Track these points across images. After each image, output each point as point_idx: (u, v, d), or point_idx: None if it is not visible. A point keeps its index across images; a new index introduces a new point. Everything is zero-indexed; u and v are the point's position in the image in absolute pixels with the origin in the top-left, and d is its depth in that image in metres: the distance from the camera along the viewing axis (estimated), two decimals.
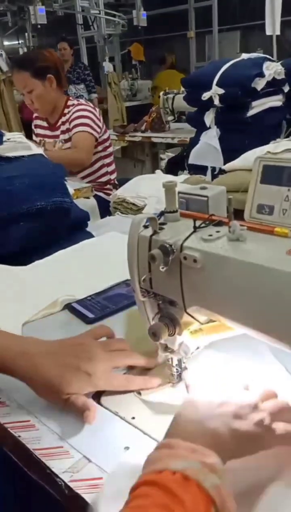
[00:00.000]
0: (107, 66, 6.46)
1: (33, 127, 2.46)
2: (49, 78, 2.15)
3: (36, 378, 0.67)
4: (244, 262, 0.53)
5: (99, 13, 6.61)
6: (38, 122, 2.41)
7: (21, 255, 1.24)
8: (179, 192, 0.70)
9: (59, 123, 2.28)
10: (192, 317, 0.63)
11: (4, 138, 1.44)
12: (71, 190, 1.45)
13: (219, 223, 0.61)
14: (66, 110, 2.26)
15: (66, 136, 2.26)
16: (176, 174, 2.43)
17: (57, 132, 2.30)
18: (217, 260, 0.55)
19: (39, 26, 6.30)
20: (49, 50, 2.29)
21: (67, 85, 2.35)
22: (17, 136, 1.47)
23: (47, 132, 2.35)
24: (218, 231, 0.59)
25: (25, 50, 6.82)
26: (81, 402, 0.66)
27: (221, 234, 0.58)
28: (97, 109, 2.33)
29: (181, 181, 1.72)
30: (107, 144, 2.36)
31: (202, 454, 0.48)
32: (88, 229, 1.50)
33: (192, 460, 0.47)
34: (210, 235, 0.58)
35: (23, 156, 1.36)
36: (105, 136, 2.32)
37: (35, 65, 2.13)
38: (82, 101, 2.34)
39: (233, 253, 0.54)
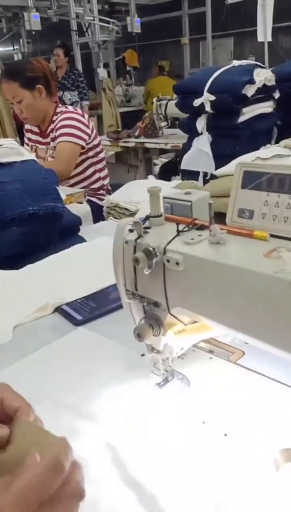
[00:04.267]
0: (102, 72, 6.51)
1: (24, 130, 2.48)
2: (38, 89, 2.16)
3: None
4: (223, 265, 0.55)
5: (94, 20, 6.65)
6: (29, 126, 2.42)
7: (13, 259, 1.26)
8: (164, 197, 0.72)
9: (49, 130, 2.30)
10: (176, 318, 0.65)
11: None
12: (63, 196, 1.47)
13: (201, 227, 0.63)
14: (54, 118, 2.27)
15: (55, 143, 2.28)
16: (169, 179, 2.45)
17: (48, 139, 2.32)
18: (198, 262, 0.57)
19: (34, 32, 6.34)
20: (37, 59, 2.29)
21: (57, 92, 2.35)
22: (9, 142, 1.49)
23: (39, 139, 2.36)
24: (199, 235, 0.61)
25: (20, 56, 6.86)
26: None
27: (203, 238, 0.60)
28: (87, 115, 2.32)
29: (173, 186, 1.74)
30: (98, 149, 2.36)
31: None
32: (81, 233, 1.52)
33: None
34: (192, 239, 0.60)
35: (15, 162, 1.38)
36: (96, 142, 2.32)
37: (23, 75, 2.13)
38: (70, 108, 2.33)
39: (213, 256, 0.56)
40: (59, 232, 1.40)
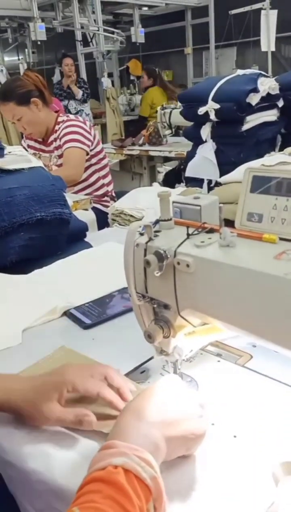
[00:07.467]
0: (106, 82, 6.56)
1: (24, 137, 2.50)
2: (34, 102, 2.20)
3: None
4: (234, 267, 0.56)
5: (98, 30, 6.72)
6: None
7: (21, 265, 1.27)
8: (174, 202, 0.73)
9: (51, 139, 2.33)
10: (185, 320, 0.66)
11: (5, 151, 1.47)
12: (70, 202, 1.49)
13: (211, 230, 0.64)
14: (57, 127, 2.31)
15: (59, 152, 2.31)
16: (173, 186, 2.47)
17: (51, 148, 2.35)
18: (208, 265, 0.58)
19: (39, 43, 6.41)
20: (26, 73, 2.31)
21: (52, 100, 2.39)
22: (18, 150, 1.51)
23: (43, 147, 2.39)
24: (209, 238, 0.62)
25: (25, 66, 6.91)
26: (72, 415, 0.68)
27: (213, 241, 0.61)
28: (88, 123, 2.37)
29: (178, 194, 1.76)
30: (101, 156, 2.39)
31: (140, 451, 0.53)
32: (86, 239, 1.53)
33: (131, 455, 0.52)
34: (202, 242, 0.61)
35: (23, 169, 1.39)
36: (98, 149, 2.35)
37: (15, 93, 2.18)
38: (71, 116, 2.38)
39: (223, 258, 0.58)
40: (66, 238, 1.41)
